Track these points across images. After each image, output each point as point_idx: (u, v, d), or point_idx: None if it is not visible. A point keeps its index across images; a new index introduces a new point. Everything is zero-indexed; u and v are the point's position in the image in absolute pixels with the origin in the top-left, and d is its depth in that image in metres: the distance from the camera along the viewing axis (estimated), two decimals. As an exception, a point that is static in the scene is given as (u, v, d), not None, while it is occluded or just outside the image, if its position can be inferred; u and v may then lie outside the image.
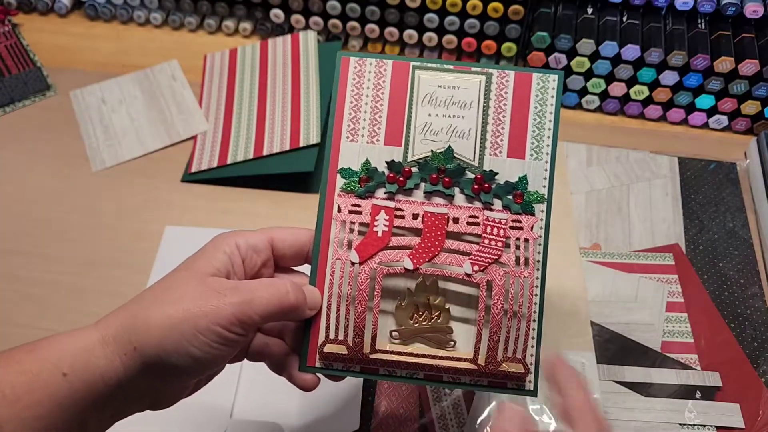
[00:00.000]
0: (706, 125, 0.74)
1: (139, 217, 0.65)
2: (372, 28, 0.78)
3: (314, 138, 0.66)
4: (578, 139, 0.72)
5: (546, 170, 0.40)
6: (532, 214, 0.39)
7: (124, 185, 0.68)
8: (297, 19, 0.79)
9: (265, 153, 0.67)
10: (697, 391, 0.55)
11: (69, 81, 0.77)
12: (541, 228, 0.39)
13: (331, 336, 0.39)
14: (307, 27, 0.80)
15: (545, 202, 0.39)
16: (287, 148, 0.66)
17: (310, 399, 0.53)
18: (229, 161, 0.68)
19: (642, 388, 0.55)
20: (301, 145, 0.66)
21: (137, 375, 0.34)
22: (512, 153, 0.40)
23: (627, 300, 0.60)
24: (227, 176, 0.67)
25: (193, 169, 0.68)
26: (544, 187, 0.39)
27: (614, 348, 0.57)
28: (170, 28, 0.84)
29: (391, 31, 0.78)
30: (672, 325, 0.58)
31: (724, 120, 0.73)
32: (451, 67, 0.40)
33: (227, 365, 0.42)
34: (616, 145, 0.72)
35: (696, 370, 0.56)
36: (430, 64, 0.40)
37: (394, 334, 0.39)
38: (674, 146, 0.72)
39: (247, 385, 0.54)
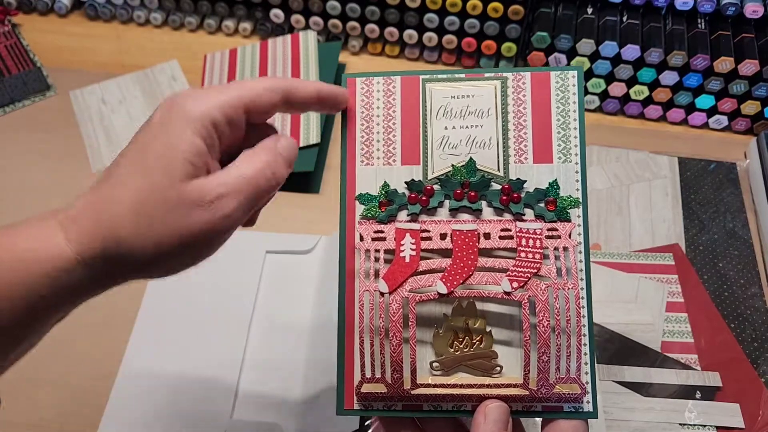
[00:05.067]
0: (706, 125, 0.74)
1: (139, 217, 0.65)
2: (372, 28, 0.78)
3: (314, 138, 0.66)
4: (578, 139, 0.72)
5: (577, 172, 0.37)
6: (568, 221, 0.36)
7: (124, 185, 0.68)
8: (297, 19, 0.79)
9: (265, 153, 0.67)
10: (697, 391, 0.55)
11: (69, 81, 0.77)
12: (579, 234, 0.37)
13: (368, 375, 0.36)
14: (307, 27, 0.80)
15: (581, 206, 0.37)
16: (287, 148, 0.66)
17: (310, 399, 0.53)
18: (229, 161, 0.68)
19: (642, 388, 0.55)
20: (301, 145, 0.66)
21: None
22: (539, 158, 0.37)
23: (627, 300, 0.60)
24: (227, 176, 0.67)
25: (193, 169, 0.68)
26: (578, 190, 0.37)
27: (614, 348, 0.57)
28: (170, 28, 0.84)
29: (391, 31, 0.78)
30: (672, 325, 0.58)
31: (724, 120, 0.73)
32: (462, 75, 0.38)
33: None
34: (616, 145, 0.72)
35: (696, 370, 0.56)
36: (440, 76, 0.38)
37: (434, 365, 0.36)
38: (674, 146, 0.72)
39: (247, 385, 0.54)
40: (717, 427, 0.53)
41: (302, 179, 0.68)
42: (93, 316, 0.59)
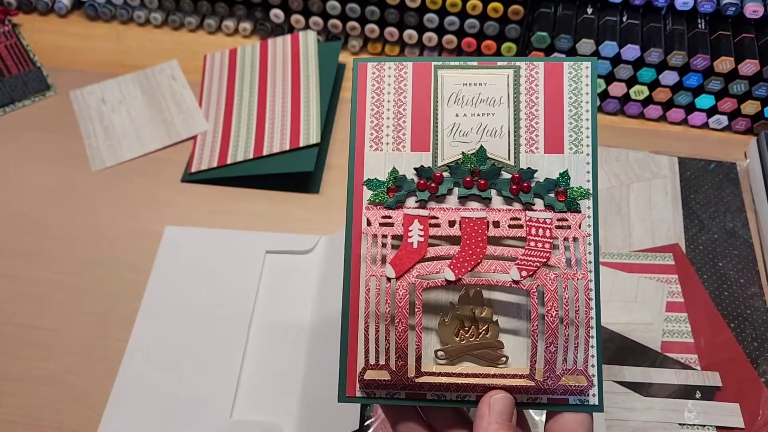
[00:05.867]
0: (706, 125, 0.74)
1: (139, 217, 0.65)
2: (372, 28, 0.78)
3: (314, 138, 0.66)
4: (578, 139, 0.72)
5: (588, 163, 0.37)
6: (578, 211, 0.36)
7: (124, 185, 0.68)
8: (297, 19, 0.79)
9: (265, 153, 0.67)
10: (697, 391, 0.55)
11: (69, 81, 0.77)
12: (589, 225, 0.36)
13: (371, 361, 0.36)
14: (307, 27, 0.80)
15: (591, 198, 0.37)
16: (287, 148, 0.66)
17: (310, 399, 0.53)
18: (229, 161, 0.68)
19: (642, 388, 0.55)
20: (301, 145, 0.66)
21: None
22: (550, 148, 0.37)
23: (627, 300, 0.60)
24: (227, 176, 0.67)
25: (193, 169, 0.68)
26: (588, 181, 0.37)
27: (614, 348, 0.57)
28: (170, 28, 0.84)
29: (391, 31, 0.78)
30: (672, 325, 0.58)
31: (724, 120, 0.73)
32: (475, 63, 0.38)
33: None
34: (616, 145, 0.72)
35: (696, 370, 0.56)
36: (452, 63, 0.38)
37: (439, 353, 0.36)
38: (674, 146, 0.72)
39: (247, 385, 0.54)
40: (717, 427, 0.53)
41: (302, 179, 0.68)
42: (93, 315, 0.59)
